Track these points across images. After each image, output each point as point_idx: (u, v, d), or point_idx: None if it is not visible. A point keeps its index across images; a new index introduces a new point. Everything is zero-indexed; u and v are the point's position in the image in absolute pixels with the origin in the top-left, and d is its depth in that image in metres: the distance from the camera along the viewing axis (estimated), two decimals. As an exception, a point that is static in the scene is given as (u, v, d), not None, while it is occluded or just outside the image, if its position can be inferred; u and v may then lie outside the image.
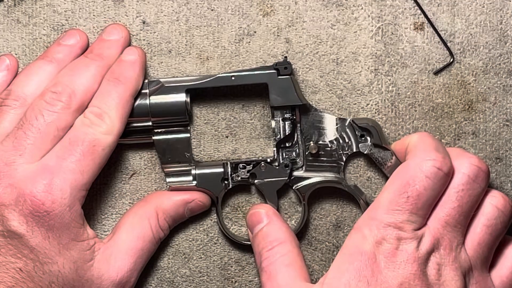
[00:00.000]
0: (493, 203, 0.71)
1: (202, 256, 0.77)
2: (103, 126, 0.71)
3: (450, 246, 0.69)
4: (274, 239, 0.73)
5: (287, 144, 0.75)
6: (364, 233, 0.69)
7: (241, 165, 0.75)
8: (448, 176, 0.70)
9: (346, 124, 0.75)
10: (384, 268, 0.68)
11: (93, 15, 0.76)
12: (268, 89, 0.74)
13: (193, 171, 0.75)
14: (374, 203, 0.70)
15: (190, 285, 0.77)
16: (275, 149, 0.75)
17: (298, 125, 0.75)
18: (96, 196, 0.76)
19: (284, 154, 0.75)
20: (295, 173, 0.75)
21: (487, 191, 0.72)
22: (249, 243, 0.75)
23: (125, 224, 0.74)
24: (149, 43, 0.76)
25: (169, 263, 0.77)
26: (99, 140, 0.71)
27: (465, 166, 0.70)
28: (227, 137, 0.77)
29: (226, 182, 0.75)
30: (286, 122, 0.75)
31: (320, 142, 0.75)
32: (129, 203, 0.77)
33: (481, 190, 0.70)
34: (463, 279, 0.69)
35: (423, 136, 0.73)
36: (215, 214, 0.76)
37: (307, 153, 0.75)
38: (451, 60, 0.76)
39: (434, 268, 0.68)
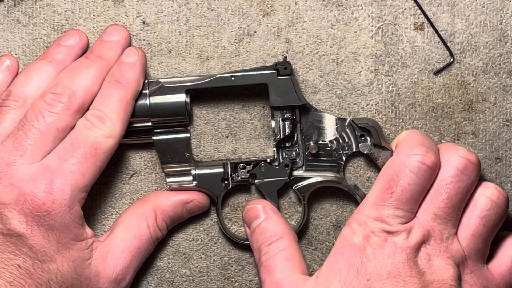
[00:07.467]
0: (486, 194, 0.71)
1: (202, 256, 0.77)
2: (105, 129, 0.71)
3: (440, 237, 0.70)
4: (273, 234, 0.73)
5: (287, 144, 0.76)
6: (353, 228, 0.71)
7: (241, 165, 0.75)
8: (432, 170, 0.70)
9: (346, 124, 0.75)
10: (373, 259, 0.69)
11: (93, 15, 0.76)
12: (268, 89, 0.74)
13: (193, 171, 0.75)
14: (363, 200, 0.72)
15: (190, 285, 0.77)
16: (275, 149, 0.75)
17: (298, 125, 0.75)
18: (96, 196, 0.76)
19: (284, 154, 0.75)
20: (295, 173, 0.75)
21: (481, 183, 0.72)
22: (249, 242, 0.75)
23: (122, 223, 0.74)
24: (149, 43, 0.76)
25: (169, 263, 0.77)
26: (100, 143, 0.71)
27: (454, 158, 0.71)
28: (227, 137, 0.77)
29: (226, 182, 0.75)
30: (286, 122, 0.75)
31: (320, 142, 0.75)
32: (129, 203, 0.77)
33: (470, 182, 0.71)
34: (456, 268, 0.69)
35: (410, 132, 0.74)
36: (215, 214, 0.77)
37: (307, 153, 0.75)
38: (451, 60, 0.76)
39: (425, 258, 0.69)
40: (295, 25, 0.76)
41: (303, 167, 0.75)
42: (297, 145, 0.76)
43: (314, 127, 0.75)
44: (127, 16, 0.76)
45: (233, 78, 0.74)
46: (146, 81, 0.74)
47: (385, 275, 0.68)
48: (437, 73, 0.76)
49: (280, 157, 0.75)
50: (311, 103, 0.76)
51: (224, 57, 0.76)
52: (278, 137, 0.75)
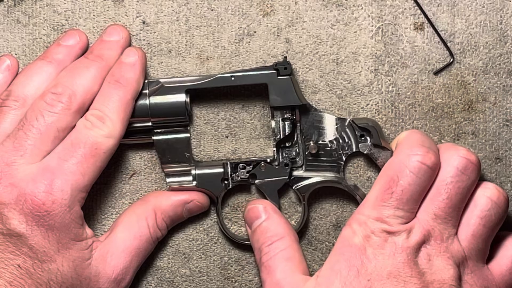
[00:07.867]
0: (486, 194, 0.71)
1: (202, 256, 0.77)
2: (105, 129, 0.71)
3: (440, 237, 0.70)
4: (274, 234, 0.73)
5: (287, 144, 0.75)
6: (353, 228, 0.71)
7: (241, 165, 0.75)
8: (432, 170, 0.70)
9: (346, 124, 0.75)
10: (373, 259, 0.69)
11: (93, 15, 0.76)
12: (268, 89, 0.74)
13: (193, 171, 0.75)
14: (364, 200, 0.72)
15: (190, 285, 0.77)
16: (275, 149, 0.75)
17: (298, 125, 0.75)
18: (96, 196, 0.76)
19: (284, 154, 0.75)
20: (295, 173, 0.75)
21: (481, 183, 0.72)
22: (249, 243, 0.75)
23: (122, 223, 0.74)
24: (149, 43, 0.76)
25: (169, 263, 0.77)
26: (100, 143, 0.71)
27: (454, 158, 0.71)
28: (227, 137, 0.77)
29: (226, 182, 0.75)
30: (286, 122, 0.75)
31: (320, 142, 0.75)
32: (129, 203, 0.77)
33: (470, 182, 0.71)
34: (456, 268, 0.69)
35: (411, 132, 0.74)
36: (215, 214, 0.77)
37: (307, 153, 0.75)
38: (451, 60, 0.76)
39: (425, 258, 0.69)
40: (295, 25, 0.76)
41: (303, 167, 0.75)
42: (297, 145, 0.76)
43: (314, 127, 0.75)
44: (127, 16, 0.76)
45: (233, 78, 0.74)
46: (146, 81, 0.74)
47: (385, 276, 0.68)
48: (437, 73, 0.76)
49: (280, 157, 0.75)
50: (311, 103, 0.76)
51: (224, 57, 0.76)
52: (278, 137, 0.75)
